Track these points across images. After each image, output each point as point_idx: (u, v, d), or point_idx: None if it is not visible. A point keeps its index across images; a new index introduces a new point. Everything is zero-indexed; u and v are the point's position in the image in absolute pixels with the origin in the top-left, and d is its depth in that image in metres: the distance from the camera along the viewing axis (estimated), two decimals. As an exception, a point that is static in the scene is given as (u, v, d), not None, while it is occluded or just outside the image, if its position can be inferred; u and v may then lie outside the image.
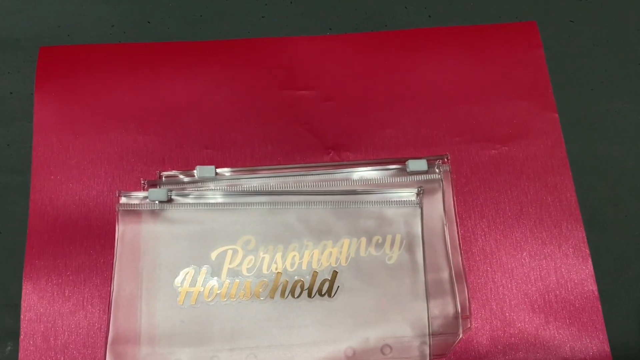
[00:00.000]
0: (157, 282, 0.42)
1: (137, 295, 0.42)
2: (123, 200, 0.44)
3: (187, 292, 0.42)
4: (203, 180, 0.45)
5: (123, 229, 0.43)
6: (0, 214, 0.46)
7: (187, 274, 0.42)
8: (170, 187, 0.44)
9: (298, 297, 0.42)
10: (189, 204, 0.44)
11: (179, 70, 0.50)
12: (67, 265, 0.44)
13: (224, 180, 0.45)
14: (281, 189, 0.45)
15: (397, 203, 0.43)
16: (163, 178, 0.45)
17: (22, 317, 0.43)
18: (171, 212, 0.44)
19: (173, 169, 0.46)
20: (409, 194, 0.44)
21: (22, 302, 0.43)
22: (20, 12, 0.52)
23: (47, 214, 0.46)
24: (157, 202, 0.44)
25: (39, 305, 0.43)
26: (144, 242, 0.43)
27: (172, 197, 0.44)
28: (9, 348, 0.43)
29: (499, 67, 0.50)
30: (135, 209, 0.44)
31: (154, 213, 0.44)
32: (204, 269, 0.43)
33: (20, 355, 0.42)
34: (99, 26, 0.52)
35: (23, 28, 0.52)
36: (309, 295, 0.42)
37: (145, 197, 0.44)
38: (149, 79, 0.50)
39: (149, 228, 0.44)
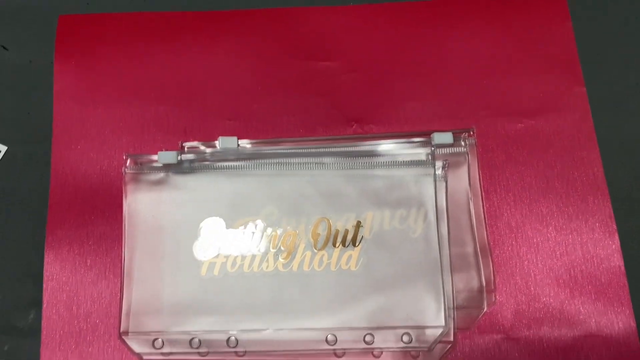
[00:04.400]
0: (176, 252, 0.42)
1: (156, 265, 0.42)
2: (131, 163, 0.44)
3: (210, 263, 0.42)
4: (225, 151, 0.44)
5: (132, 194, 0.43)
6: (21, 183, 0.46)
7: (209, 244, 0.42)
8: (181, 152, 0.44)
9: (321, 267, 0.42)
10: (202, 168, 0.44)
11: (199, 40, 0.49)
12: (89, 235, 0.44)
13: (245, 152, 0.45)
14: (296, 152, 0.44)
15: (409, 163, 0.43)
16: (185, 148, 0.45)
17: (44, 286, 0.43)
18: (183, 177, 0.43)
19: (195, 140, 0.46)
20: (420, 152, 0.43)
21: (44, 272, 0.43)
22: (39, -20, 0.51)
23: (69, 183, 0.45)
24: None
25: (61, 274, 0.43)
26: (155, 209, 0.43)
27: (183, 160, 0.43)
28: (31, 316, 0.43)
29: (526, 39, 0.49)
30: (145, 172, 0.43)
31: (165, 177, 0.44)
32: (228, 239, 0.42)
33: (43, 323, 0.42)
34: (119, -5, 0.51)
35: (42, -4, 0.51)
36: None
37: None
38: (170, 48, 0.49)
39: (160, 193, 0.43)
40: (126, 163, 0.43)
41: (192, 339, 0.41)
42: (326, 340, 0.40)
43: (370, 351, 0.41)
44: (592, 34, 0.49)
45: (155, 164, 0.44)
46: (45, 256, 0.44)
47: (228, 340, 0.41)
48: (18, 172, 0.46)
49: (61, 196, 0.45)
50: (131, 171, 0.43)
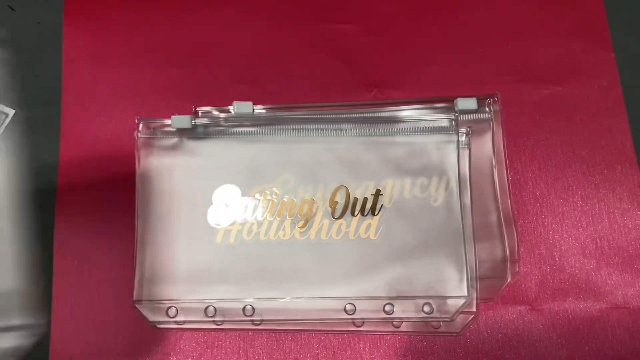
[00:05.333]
0: (190, 219, 0.41)
1: (170, 232, 0.41)
2: (144, 128, 0.42)
3: (225, 230, 0.41)
4: (240, 117, 0.43)
5: (145, 159, 0.42)
6: (29, 148, 0.44)
7: (225, 211, 0.41)
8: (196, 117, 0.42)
9: (339, 236, 0.40)
10: (216, 133, 0.42)
11: (214, 2, 0.47)
12: (101, 201, 0.43)
13: (260, 118, 0.43)
14: (313, 118, 0.43)
15: (431, 129, 0.41)
16: (199, 113, 0.43)
17: (54, 253, 0.42)
18: (197, 142, 0.42)
19: (208, 105, 0.44)
20: (443, 118, 0.42)
21: (54, 239, 0.42)
22: (46, -62, 0.49)
23: (79, 148, 0.44)
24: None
25: (73, 241, 0.42)
26: (168, 175, 0.41)
27: (197, 125, 0.42)
28: (42, 284, 0.42)
29: (552, 2, 0.47)
30: (158, 136, 0.42)
31: (179, 142, 0.42)
32: (244, 206, 0.41)
33: (54, 291, 0.41)
34: (129, -46, 0.49)
35: (49, -45, 0.49)
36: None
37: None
38: (183, 9, 0.47)
39: (174, 159, 0.42)
40: (138, 127, 0.42)
41: (207, 307, 0.40)
42: (345, 310, 0.39)
43: (390, 321, 0.40)
44: (622, -3, 0.48)
45: (168, 129, 0.42)
46: (56, 223, 0.42)
47: (244, 308, 0.40)
48: (27, 136, 0.45)
49: (71, 161, 0.44)
50: (144, 136, 0.42)
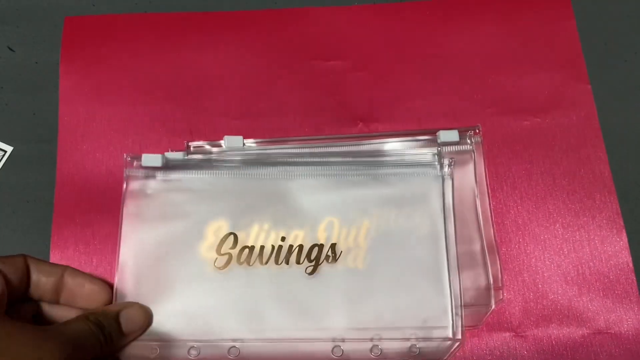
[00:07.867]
0: (180, 255, 0.40)
1: (160, 270, 0.40)
2: (131, 164, 0.42)
3: (221, 267, 0.40)
4: (231, 150, 0.44)
5: (132, 196, 0.41)
6: (27, 183, 0.46)
7: (216, 247, 0.41)
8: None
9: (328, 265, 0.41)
10: (204, 167, 0.42)
11: (205, 41, 0.49)
12: (95, 234, 0.44)
13: (250, 152, 0.44)
14: (295, 159, 0.43)
15: (415, 161, 0.42)
16: (191, 148, 0.45)
17: (50, 285, 0.43)
18: (187, 176, 0.42)
19: (201, 140, 0.46)
20: (427, 151, 0.43)
21: (50, 271, 0.43)
22: (44, -18, 0.51)
23: (74, 183, 0.45)
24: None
25: (67, 274, 0.43)
26: (156, 211, 0.41)
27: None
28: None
29: (531, 38, 0.49)
30: (144, 174, 0.42)
31: (167, 178, 0.42)
32: (234, 242, 0.41)
33: (49, 323, 0.42)
34: (124, -4, 0.51)
35: (48, -3, 0.51)
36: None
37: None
38: (175, 49, 0.49)
39: (161, 194, 0.42)
40: (127, 164, 0.42)
41: (190, 348, 0.39)
42: (332, 352, 0.39)
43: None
44: (596, 32, 0.50)
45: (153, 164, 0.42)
46: (51, 255, 0.43)
47: (229, 350, 0.39)
48: (24, 172, 0.46)
49: (67, 196, 0.45)
50: (132, 173, 0.42)
